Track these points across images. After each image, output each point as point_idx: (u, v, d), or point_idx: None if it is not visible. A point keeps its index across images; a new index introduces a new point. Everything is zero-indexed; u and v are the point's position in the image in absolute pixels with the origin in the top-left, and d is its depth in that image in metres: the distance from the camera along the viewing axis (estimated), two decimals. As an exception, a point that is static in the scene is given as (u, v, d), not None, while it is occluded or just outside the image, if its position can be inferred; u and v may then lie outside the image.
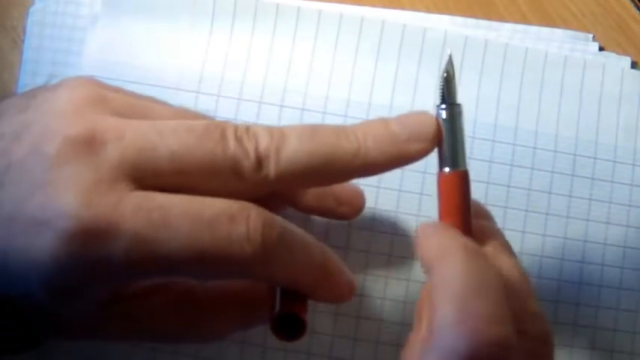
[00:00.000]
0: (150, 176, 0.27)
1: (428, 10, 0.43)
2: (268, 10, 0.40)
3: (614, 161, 0.41)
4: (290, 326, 0.31)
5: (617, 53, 0.43)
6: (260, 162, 0.28)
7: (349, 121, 0.39)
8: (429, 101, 0.40)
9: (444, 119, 0.31)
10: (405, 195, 0.39)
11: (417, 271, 0.39)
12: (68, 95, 0.28)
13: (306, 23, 0.40)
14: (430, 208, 0.38)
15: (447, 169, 0.31)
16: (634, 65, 0.42)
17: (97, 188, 0.26)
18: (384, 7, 0.42)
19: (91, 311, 0.29)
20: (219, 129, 0.28)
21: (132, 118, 0.28)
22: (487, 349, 0.25)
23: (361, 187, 0.37)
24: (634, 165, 0.41)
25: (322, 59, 0.40)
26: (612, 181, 0.40)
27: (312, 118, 0.39)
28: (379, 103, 0.40)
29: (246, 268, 0.28)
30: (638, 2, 0.44)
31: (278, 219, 0.28)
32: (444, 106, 0.31)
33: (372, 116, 0.40)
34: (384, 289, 0.39)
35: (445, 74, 0.31)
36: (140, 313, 0.31)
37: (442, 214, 0.31)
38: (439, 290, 0.27)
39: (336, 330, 0.39)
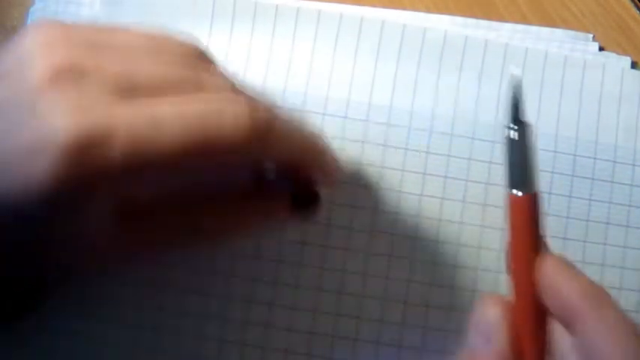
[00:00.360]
0: (131, 90, 0.28)
1: (428, 10, 0.43)
2: (267, 11, 0.40)
3: (614, 161, 0.41)
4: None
5: (617, 53, 0.43)
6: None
7: (349, 122, 0.39)
8: (428, 102, 0.40)
9: (514, 140, 0.31)
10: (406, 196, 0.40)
11: (417, 271, 0.39)
12: (38, 35, 0.29)
13: (305, 24, 0.40)
14: (444, 211, 0.39)
15: (517, 192, 0.31)
16: (634, 65, 0.42)
17: (84, 105, 0.26)
18: (384, 7, 0.42)
19: (99, 231, 0.30)
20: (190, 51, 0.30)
21: (100, 46, 0.29)
22: None
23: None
24: (634, 165, 0.41)
25: (322, 60, 0.40)
26: (612, 182, 0.40)
27: (312, 119, 0.39)
28: (379, 103, 0.40)
29: (239, 155, 0.29)
30: (638, 2, 0.44)
31: (263, 105, 0.30)
32: (513, 126, 0.31)
33: (372, 117, 0.40)
34: (385, 289, 0.39)
35: (514, 93, 0.31)
36: (148, 222, 0.32)
37: (514, 239, 0.31)
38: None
39: (336, 331, 0.39)
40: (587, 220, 0.40)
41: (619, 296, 0.40)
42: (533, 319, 0.31)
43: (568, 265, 0.31)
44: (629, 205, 0.40)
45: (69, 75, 0.27)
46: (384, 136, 0.40)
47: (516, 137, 0.31)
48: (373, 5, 0.42)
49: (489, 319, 0.31)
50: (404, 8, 0.43)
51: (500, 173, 0.39)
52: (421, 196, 0.40)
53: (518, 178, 0.31)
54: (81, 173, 0.26)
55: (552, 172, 0.40)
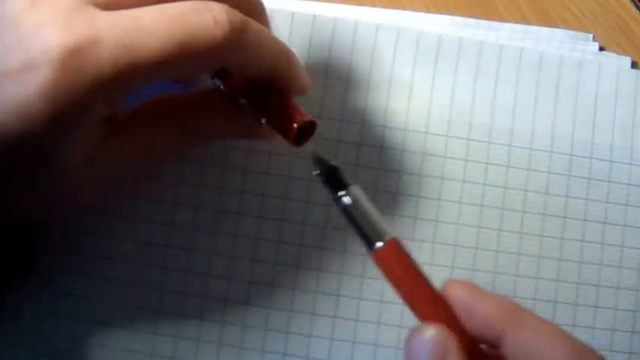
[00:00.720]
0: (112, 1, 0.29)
1: (428, 10, 0.43)
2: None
3: (611, 161, 0.40)
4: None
5: (618, 53, 0.43)
6: None
7: (345, 125, 0.40)
8: (424, 103, 0.40)
9: (349, 205, 0.30)
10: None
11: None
12: None
13: (300, 28, 0.40)
14: (440, 212, 0.39)
15: (378, 245, 0.30)
16: (634, 65, 0.42)
17: (68, 17, 0.27)
18: (384, 7, 0.42)
19: (92, 146, 0.30)
20: None
21: None
22: None
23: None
24: (631, 164, 0.40)
25: (317, 63, 0.40)
26: (609, 181, 0.40)
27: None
28: (374, 107, 0.40)
29: (221, 53, 0.30)
30: (638, 2, 0.44)
31: (238, 12, 0.30)
32: (342, 193, 0.30)
33: (369, 120, 0.40)
34: (382, 291, 0.39)
35: (327, 167, 0.31)
36: (133, 133, 0.33)
37: (404, 289, 0.30)
38: None
39: (335, 334, 0.39)
40: (585, 220, 0.40)
41: (617, 295, 0.40)
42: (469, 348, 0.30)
43: (472, 286, 0.30)
44: (626, 205, 0.40)
45: None
46: (380, 138, 0.40)
47: (350, 201, 0.30)
48: (373, 5, 0.42)
49: (438, 343, 0.29)
50: (403, 8, 0.43)
51: (498, 174, 0.40)
52: (418, 197, 0.40)
53: (372, 234, 0.30)
54: (76, 82, 0.27)
55: (549, 172, 0.40)
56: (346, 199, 0.30)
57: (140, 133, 0.34)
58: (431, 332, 0.28)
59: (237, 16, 0.30)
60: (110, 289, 0.39)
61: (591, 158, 0.40)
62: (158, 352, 0.38)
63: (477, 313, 0.29)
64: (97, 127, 0.30)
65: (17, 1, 0.28)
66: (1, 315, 0.38)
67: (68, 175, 0.30)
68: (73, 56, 0.27)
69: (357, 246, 0.34)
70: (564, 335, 0.29)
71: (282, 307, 0.39)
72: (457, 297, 0.30)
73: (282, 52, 0.33)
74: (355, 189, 0.31)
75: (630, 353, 0.39)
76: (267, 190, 0.39)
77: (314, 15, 0.40)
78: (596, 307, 0.40)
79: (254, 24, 0.31)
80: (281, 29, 0.40)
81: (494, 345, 0.29)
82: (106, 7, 0.28)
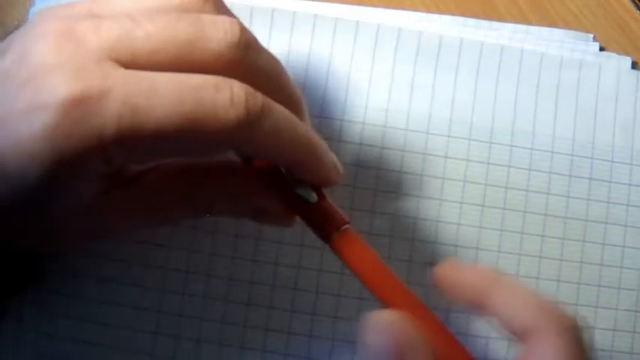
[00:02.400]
0: (130, 57, 0.28)
1: (428, 10, 0.43)
2: (264, 16, 0.40)
3: (612, 161, 0.41)
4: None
5: (618, 53, 0.43)
6: (238, 43, 0.29)
7: (345, 125, 0.40)
8: (425, 104, 0.40)
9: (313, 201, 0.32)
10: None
11: (415, 272, 0.39)
12: (41, 22, 0.29)
13: (301, 28, 0.40)
14: (442, 213, 0.39)
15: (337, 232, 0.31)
16: (634, 65, 0.42)
17: (84, 67, 0.27)
18: (385, 6, 0.42)
19: (90, 200, 0.30)
20: (192, 14, 0.29)
21: (98, 14, 0.29)
22: None
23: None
24: (632, 165, 0.41)
25: (318, 64, 0.40)
26: (610, 181, 0.40)
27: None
28: (375, 106, 0.40)
29: (231, 136, 0.28)
30: (638, 2, 0.44)
31: (261, 94, 0.29)
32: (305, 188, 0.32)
33: (369, 120, 0.40)
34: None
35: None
36: (138, 192, 0.32)
37: (366, 275, 0.31)
38: None
39: (336, 334, 0.39)
40: (586, 220, 0.40)
41: (618, 295, 0.40)
42: (438, 327, 0.30)
43: (456, 261, 0.33)
44: (627, 205, 0.40)
45: (69, 39, 0.28)
46: (380, 139, 0.40)
47: (315, 196, 0.31)
48: (374, 5, 0.42)
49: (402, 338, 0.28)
50: (404, 8, 0.43)
51: (499, 174, 0.40)
52: (419, 197, 0.40)
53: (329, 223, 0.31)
54: (76, 131, 0.26)
55: (550, 173, 0.40)
56: (312, 196, 0.32)
57: (146, 195, 0.32)
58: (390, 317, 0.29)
59: (259, 99, 0.28)
60: (111, 289, 0.38)
61: (592, 158, 0.40)
62: (158, 352, 0.38)
63: (463, 283, 0.31)
64: (97, 181, 0.29)
65: (42, 40, 0.28)
66: (3, 316, 0.37)
67: (65, 218, 0.30)
68: (78, 104, 0.26)
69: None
70: (533, 296, 0.30)
71: (283, 307, 0.39)
72: (444, 273, 0.32)
73: (306, 144, 0.31)
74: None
75: (631, 353, 0.39)
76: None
77: (315, 15, 0.40)
78: (597, 307, 0.40)
79: (277, 111, 0.29)
80: (281, 30, 0.40)
81: (483, 313, 0.30)
82: (127, 66, 0.28)
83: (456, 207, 0.40)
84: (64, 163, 0.27)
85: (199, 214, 0.36)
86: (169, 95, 0.27)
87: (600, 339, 0.40)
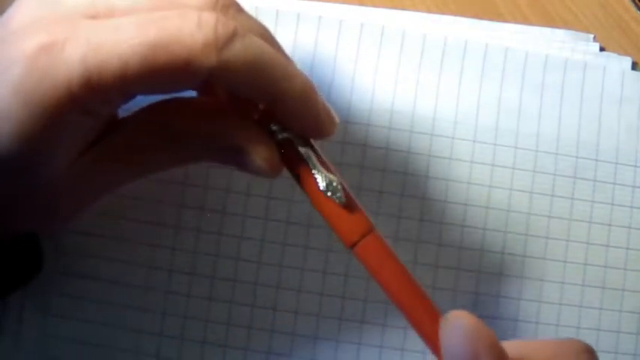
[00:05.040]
0: (107, 14, 0.28)
1: (429, 11, 0.43)
2: (268, 16, 0.40)
3: (616, 163, 0.41)
4: None
5: (618, 54, 0.43)
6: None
7: (350, 126, 0.39)
8: (429, 104, 0.40)
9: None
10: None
11: (419, 274, 0.39)
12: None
13: (306, 29, 0.40)
14: (446, 214, 0.39)
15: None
16: (634, 66, 0.42)
17: (55, 22, 0.27)
18: (386, 7, 0.42)
19: (76, 151, 0.29)
20: None
21: None
22: None
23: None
24: (636, 166, 0.41)
25: (322, 65, 0.40)
26: (614, 183, 0.40)
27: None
28: (380, 107, 0.40)
29: (202, 61, 0.26)
30: (638, 2, 0.44)
31: (235, 23, 0.27)
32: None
33: (374, 120, 0.40)
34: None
35: None
36: (119, 144, 0.31)
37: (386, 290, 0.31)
38: None
39: (341, 336, 0.39)
40: (590, 222, 0.40)
41: (621, 298, 0.40)
42: None
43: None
44: (631, 207, 0.40)
45: (45, 2, 0.28)
46: (385, 139, 0.40)
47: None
48: (375, 5, 0.42)
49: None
50: (405, 8, 0.42)
51: (503, 176, 0.40)
52: (423, 199, 0.40)
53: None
54: (44, 80, 0.26)
55: (554, 175, 0.40)
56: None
57: (127, 144, 0.32)
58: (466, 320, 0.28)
59: (231, 24, 0.27)
60: (112, 289, 0.38)
61: (596, 160, 0.40)
62: (162, 353, 0.38)
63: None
64: (78, 132, 0.29)
65: (25, 4, 0.28)
66: (3, 315, 0.37)
67: (52, 182, 0.29)
68: (44, 52, 0.26)
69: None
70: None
71: (288, 309, 0.39)
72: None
73: (288, 78, 0.29)
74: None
75: (635, 355, 0.40)
76: (273, 192, 0.39)
77: (319, 17, 0.40)
78: (601, 309, 0.40)
79: (251, 38, 0.28)
80: (285, 31, 0.40)
81: None
82: (102, 17, 0.28)
83: (461, 209, 0.40)
84: (39, 117, 0.26)
85: (181, 160, 0.34)
86: (133, 28, 0.26)
87: (604, 341, 0.40)
